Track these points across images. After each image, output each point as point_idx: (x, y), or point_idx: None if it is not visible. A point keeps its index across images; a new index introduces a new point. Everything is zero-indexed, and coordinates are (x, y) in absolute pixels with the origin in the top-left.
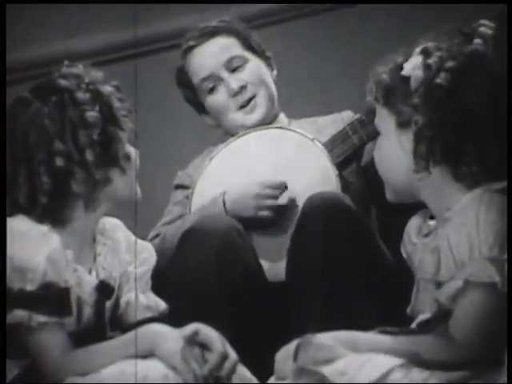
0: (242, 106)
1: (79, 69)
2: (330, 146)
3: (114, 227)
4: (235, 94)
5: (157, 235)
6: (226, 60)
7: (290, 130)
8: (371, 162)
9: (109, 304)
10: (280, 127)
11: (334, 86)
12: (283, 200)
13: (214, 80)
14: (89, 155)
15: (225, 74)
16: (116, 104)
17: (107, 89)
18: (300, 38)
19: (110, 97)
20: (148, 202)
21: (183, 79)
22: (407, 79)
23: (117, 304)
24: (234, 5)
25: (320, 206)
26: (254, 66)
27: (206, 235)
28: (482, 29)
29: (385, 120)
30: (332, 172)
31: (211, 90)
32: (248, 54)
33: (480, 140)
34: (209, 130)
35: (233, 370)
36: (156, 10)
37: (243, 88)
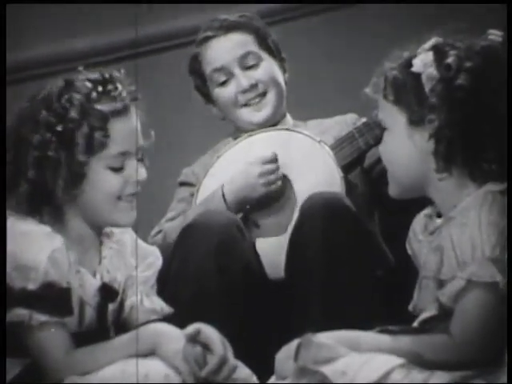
0: (250, 103)
1: (83, 74)
2: (337, 148)
3: (121, 230)
4: (245, 91)
5: (160, 231)
6: (240, 56)
7: (297, 131)
8: (375, 165)
9: (113, 307)
10: (287, 129)
11: (338, 88)
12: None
13: (226, 74)
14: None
15: (237, 71)
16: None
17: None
18: (303, 38)
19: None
20: (151, 202)
21: (195, 67)
22: (417, 75)
23: (121, 307)
24: (234, 5)
25: (319, 205)
26: (268, 66)
27: (206, 230)
28: (491, 37)
29: (394, 116)
30: (337, 174)
31: (222, 84)
32: (263, 54)
33: (500, 138)
34: (211, 131)
35: (230, 376)
36: (157, 10)
37: (253, 86)
